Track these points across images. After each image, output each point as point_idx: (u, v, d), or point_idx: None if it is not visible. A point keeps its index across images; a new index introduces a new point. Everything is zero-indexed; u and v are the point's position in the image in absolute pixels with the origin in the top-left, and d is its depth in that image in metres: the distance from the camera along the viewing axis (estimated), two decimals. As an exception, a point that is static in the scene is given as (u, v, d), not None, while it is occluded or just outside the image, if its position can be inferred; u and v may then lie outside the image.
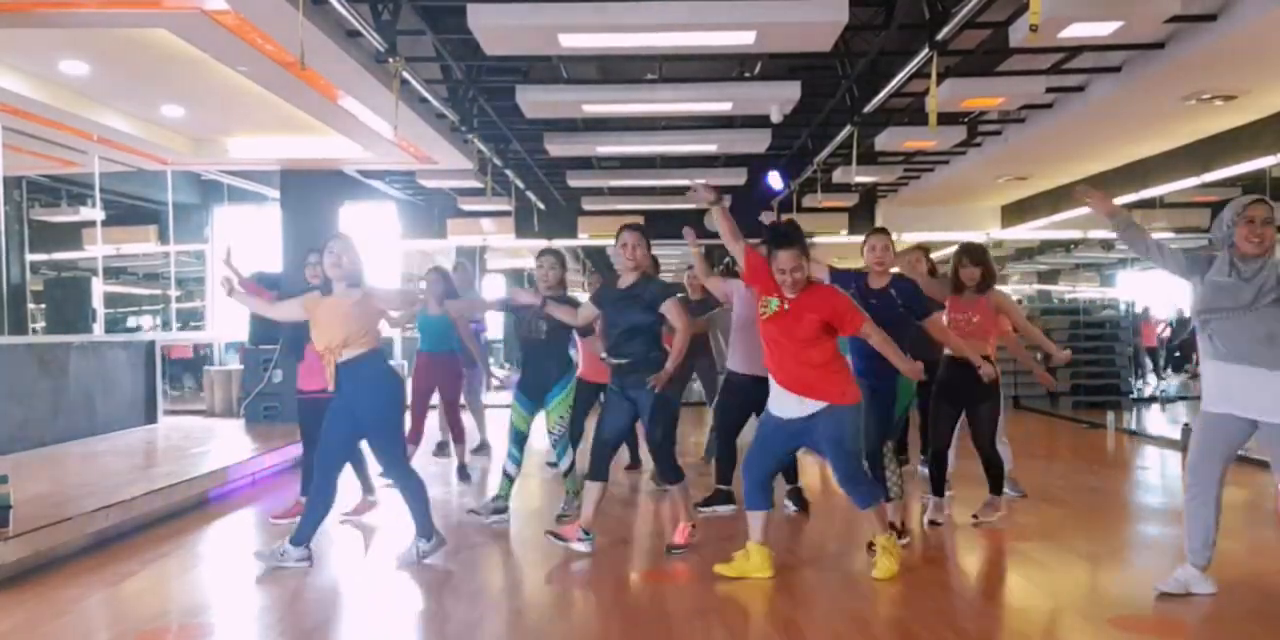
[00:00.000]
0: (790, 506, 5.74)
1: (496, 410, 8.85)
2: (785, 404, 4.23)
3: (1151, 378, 15.86)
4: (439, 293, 6.78)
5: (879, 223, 14.69)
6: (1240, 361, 3.77)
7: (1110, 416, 10.06)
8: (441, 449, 8.03)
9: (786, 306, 4.17)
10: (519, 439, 5.49)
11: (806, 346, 4.16)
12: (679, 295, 5.22)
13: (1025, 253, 18.06)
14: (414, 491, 4.65)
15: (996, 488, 5.35)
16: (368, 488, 5.79)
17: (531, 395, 5.49)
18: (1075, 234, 14.54)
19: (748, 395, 5.48)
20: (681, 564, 4.65)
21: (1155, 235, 3.97)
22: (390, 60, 6.14)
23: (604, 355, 4.90)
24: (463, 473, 7.15)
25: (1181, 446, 8.23)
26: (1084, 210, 12.13)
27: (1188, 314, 16.65)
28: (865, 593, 4.25)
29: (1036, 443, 9.24)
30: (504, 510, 5.57)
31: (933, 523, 5.27)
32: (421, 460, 7.53)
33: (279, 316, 4.97)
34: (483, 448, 8.34)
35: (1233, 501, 6.60)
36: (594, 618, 3.99)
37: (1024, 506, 5.88)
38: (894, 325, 4.56)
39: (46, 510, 4.92)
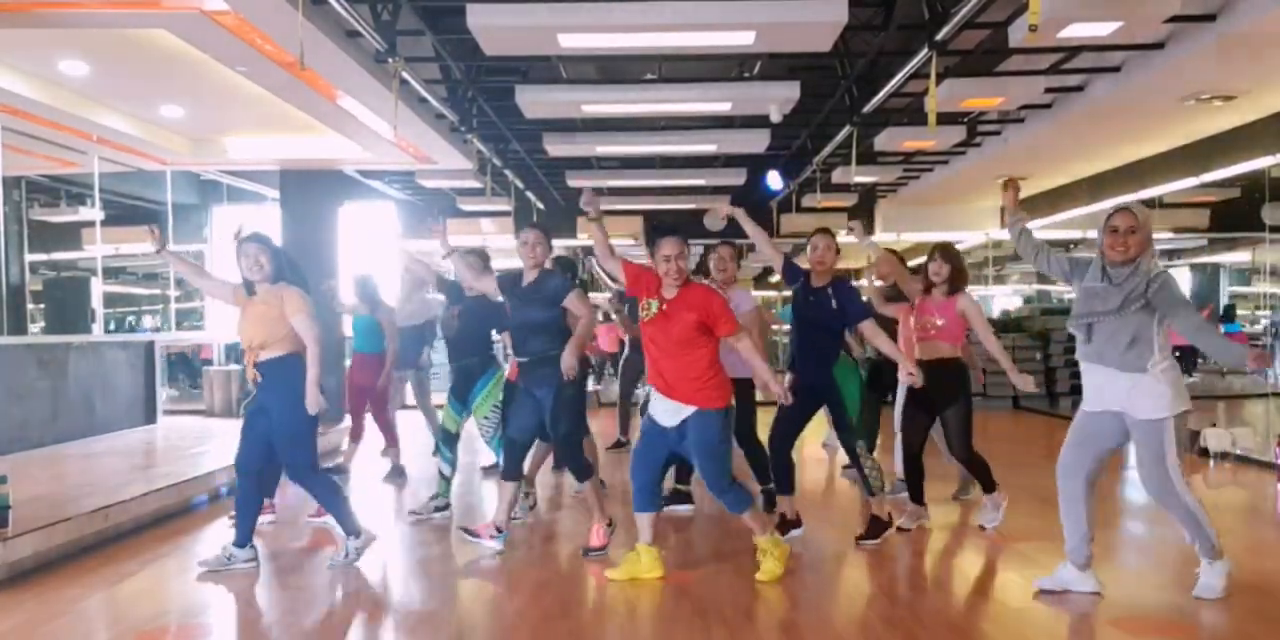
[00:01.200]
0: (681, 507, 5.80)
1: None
2: (663, 411, 4.26)
3: None
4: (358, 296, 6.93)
5: (879, 223, 14.72)
6: (1106, 364, 3.91)
7: None
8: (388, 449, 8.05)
9: (664, 307, 4.19)
10: (448, 439, 5.57)
11: (684, 349, 4.18)
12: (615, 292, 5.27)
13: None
14: (324, 495, 4.63)
15: (988, 487, 5.33)
16: None
17: (458, 395, 5.53)
18: (1075, 234, 14.54)
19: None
20: (682, 565, 4.64)
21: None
22: (390, 60, 6.14)
23: (508, 353, 4.96)
24: (398, 473, 7.18)
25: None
26: (1083, 210, 12.19)
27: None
28: (865, 593, 4.25)
29: (1036, 443, 9.24)
30: (445, 507, 5.68)
31: (901, 529, 5.21)
32: (370, 457, 7.61)
33: (206, 289, 4.95)
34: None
35: (1233, 501, 6.63)
36: (594, 618, 3.98)
37: (1023, 507, 5.87)
38: (825, 324, 4.80)
39: (46, 511, 4.92)
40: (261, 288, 4.49)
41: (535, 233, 4.81)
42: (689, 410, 4.18)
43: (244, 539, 4.54)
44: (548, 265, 4.89)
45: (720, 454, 4.23)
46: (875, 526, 4.97)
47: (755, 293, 8.36)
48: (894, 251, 6.24)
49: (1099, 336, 3.91)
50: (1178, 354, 16.46)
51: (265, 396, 4.45)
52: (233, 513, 4.73)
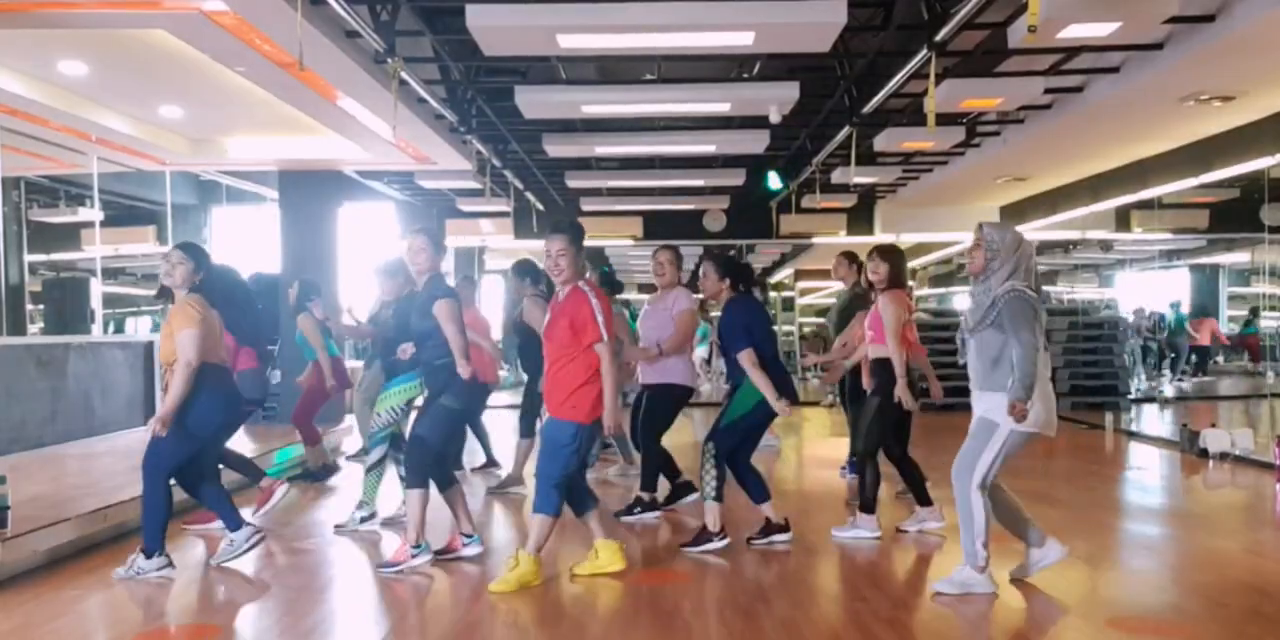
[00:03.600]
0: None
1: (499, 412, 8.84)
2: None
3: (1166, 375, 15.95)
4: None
5: (878, 223, 14.72)
6: (973, 380, 4.03)
7: (1108, 417, 10.06)
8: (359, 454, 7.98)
9: (552, 309, 4.30)
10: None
11: (560, 352, 4.18)
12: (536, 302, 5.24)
13: (1024, 253, 18.05)
14: (148, 502, 4.40)
15: (865, 505, 5.12)
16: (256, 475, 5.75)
17: None
18: (1074, 235, 14.55)
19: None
20: (682, 565, 4.65)
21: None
22: (389, 61, 6.14)
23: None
24: (317, 476, 7.07)
25: (1180, 448, 8.24)
26: (1082, 210, 12.19)
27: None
28: (864, 594, 4.25)
29: (1034, 443, 9.24)
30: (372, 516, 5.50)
31: (900, 529, 5.21)
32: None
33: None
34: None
35: (1232, 502, 6.63)
36: (593, 618, 3.98)
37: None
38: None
39: (45, 511, 4.91)
40: (177, 296, 4.45)
41: (421, 239, 4.66)
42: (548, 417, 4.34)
43: (154, 545, 4.38)
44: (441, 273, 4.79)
45: (558, 456, 4.18)
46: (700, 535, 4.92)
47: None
48: (855, 256, 6.34)
49: (969, 353, 4.03)
50: (1194, 356, 16.53)
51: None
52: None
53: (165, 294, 4.55)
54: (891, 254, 5.25)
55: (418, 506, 4.52)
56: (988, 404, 3.97)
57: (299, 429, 7.10)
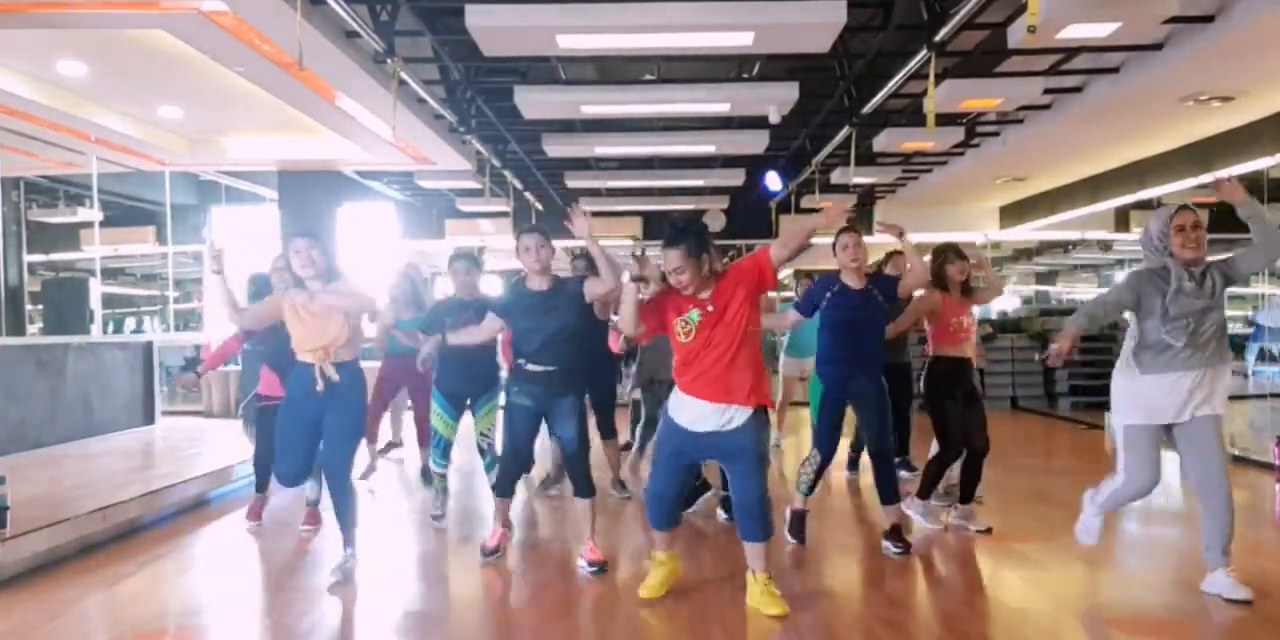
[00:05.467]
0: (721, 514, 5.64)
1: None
2: (705, 415, 3.82)
3: None
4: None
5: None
6: (1207, 362, 3.89)
7: (1108, 417, 10.04)
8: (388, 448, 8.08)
9: (710, 308, 3.78)
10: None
11: (743, 333, 3.80)
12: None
13: (1023, 253, 18.07)
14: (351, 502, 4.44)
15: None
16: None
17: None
18: (1073, 235, 14.56)
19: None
20: (683, 566, 4.64)
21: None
22: (388, 61, 6.14)
23: None
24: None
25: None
26: (1082, 211, 12.20)
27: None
28: (863, 594, 4.25)
29: (1034, 443, 9.24)
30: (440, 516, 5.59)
31: (961, 527, 5.23)
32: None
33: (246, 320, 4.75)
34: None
35: (1234, 502, 6.62)
36: (593, 618, 3.98)
37: (1022, 507, 5.89)
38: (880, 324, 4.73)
39: (44, 511, 4.91)
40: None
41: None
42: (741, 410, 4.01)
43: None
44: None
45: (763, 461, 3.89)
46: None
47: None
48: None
49: (1205, 334, 3.86)
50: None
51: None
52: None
53: (263, 287, 4.49)
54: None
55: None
56: (1215, 380, 3.88)
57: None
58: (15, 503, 4.66)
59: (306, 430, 4.32)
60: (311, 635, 3.74)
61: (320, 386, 4.24)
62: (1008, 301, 19.99)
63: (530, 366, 4.38)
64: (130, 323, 17.34)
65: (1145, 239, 4.00)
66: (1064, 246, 16.53)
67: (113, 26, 5.84)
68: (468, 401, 5.41)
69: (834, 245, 4.73)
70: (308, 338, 4.29)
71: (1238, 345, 18.09)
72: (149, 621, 3.92)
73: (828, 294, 4.70)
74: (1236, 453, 7.65)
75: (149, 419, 9.36)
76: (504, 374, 5.25)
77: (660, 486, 4.00)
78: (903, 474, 6.77)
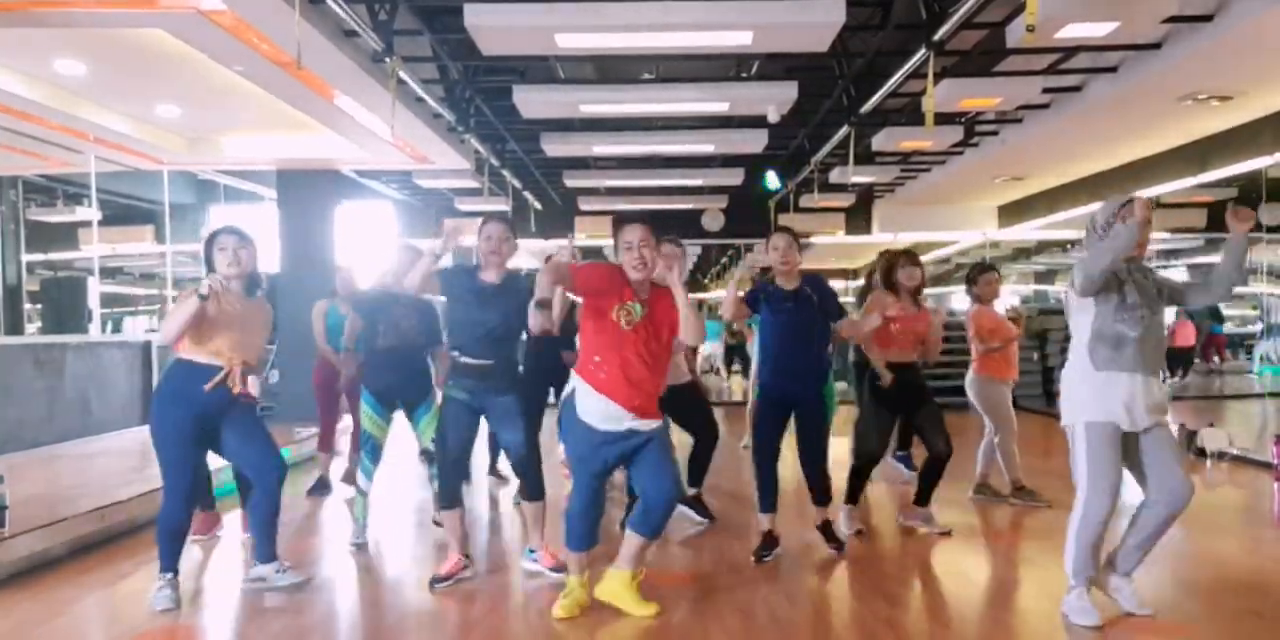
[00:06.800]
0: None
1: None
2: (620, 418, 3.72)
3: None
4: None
5: (876, 223, 14.72)
6: (1147, 369, 3.75)
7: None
8: None
9: (648, 309, 3.77)
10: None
11: (667, 350, 3.88)
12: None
13: (1022, 253, 18.09)
14: None
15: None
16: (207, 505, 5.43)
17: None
18: (1072, 234, 14.56)
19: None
20: (682, 566, 4.64)
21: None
22: (387, 60, 6.13)
23: None
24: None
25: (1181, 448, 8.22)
26: (1080, 210, 12.20)
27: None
28: (862, 594, 4.25)
29: (1034, 443, 9.24)
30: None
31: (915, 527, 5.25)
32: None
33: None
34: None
35: (1230, 501, 6.62)
36: (593, 618, 3.97)
37: (1022, 507, 5.89)
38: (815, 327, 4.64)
39: (42, 511, 4.91)
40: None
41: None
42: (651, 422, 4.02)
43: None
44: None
45: None
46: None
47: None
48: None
49: (1154, 330, 3.73)
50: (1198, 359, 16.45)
51: None
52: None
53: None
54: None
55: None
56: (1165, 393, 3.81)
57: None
58: (13, 502, 4.66)
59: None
60: (313, 634, 3.74)
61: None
62: (1006, 301, 20.01)
63: (465, 359, 4.27)
64: (129, 325, 17.36)
65: (1090, 228, 3.87)
66: (1063, 245, 16.54)
67: (111, 25, 5.84)
68: (399, 404, 5.13)
69: (766, 244, 4.72)
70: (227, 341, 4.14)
71: (1243, 345, 18.15)
72: (148, 621, 3.91)
73: (762, 295, 4.66)
74: (1235, 453, 7.66)
75: (147, 419, 9.35)
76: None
77: (583, 503, 3.83)
78: (904, 472, 6.80)
